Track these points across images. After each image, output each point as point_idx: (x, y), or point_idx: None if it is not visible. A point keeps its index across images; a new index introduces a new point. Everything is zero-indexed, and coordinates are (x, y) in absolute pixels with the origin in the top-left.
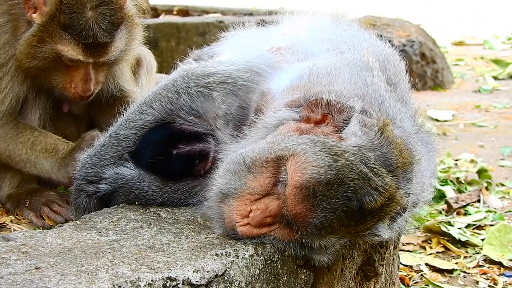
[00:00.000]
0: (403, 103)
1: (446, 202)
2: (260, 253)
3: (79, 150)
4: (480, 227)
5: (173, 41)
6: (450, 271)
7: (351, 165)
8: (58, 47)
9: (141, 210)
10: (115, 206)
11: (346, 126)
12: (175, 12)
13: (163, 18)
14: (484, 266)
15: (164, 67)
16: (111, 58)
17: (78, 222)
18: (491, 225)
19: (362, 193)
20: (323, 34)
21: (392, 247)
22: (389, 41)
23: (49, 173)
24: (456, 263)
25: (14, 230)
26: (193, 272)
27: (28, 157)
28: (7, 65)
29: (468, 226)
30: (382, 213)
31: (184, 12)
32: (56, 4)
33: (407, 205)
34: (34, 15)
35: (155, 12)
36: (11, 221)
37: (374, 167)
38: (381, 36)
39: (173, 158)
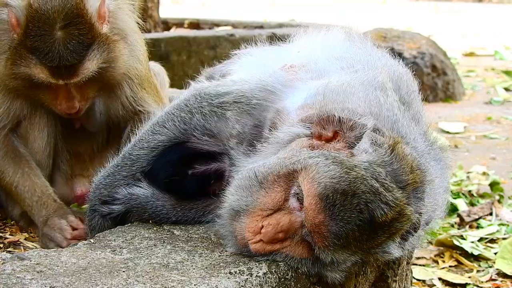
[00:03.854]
0: (416, 122)
1: (459, 216)
2: (274, 271)
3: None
4: (492, 241)
5: (184, 55)
6: (463, 285)
7: (362, 178)
8: (28, 70)
9: (154, 228)
10: (129, 224)
11: (358, 143)
12: (186, 26)
13: (174, 32)
14: (497, 280)
15: (176, 80)
16: (83, 79)
17: (92, 240)
18: (503, 239)
19: (373, 207)
20: (337, 52)
21: (405, 262)
22: (400, 55)
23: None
24: (469, 277)
25: (27, 248)
26: None
27: (17, 201)
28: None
29: (480, 239)
30: (393, 228)
31: (195, 25)
32: (24, 27)
33: (418, 223)
34: (14, 35)
35: (166, 25)
36: (25, 239)
37: (384, 182)
38: (392, 49)
39: (189, 178)
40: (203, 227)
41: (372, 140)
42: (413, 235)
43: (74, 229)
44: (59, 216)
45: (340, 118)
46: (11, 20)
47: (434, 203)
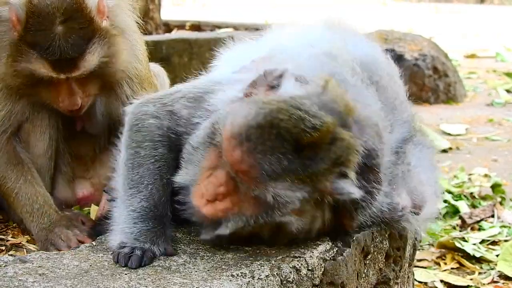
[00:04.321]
0: (391, 108)
1: (460, 218)
2: (275, 273)
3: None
4: (494, 243)
5: (185, 57)
6: None
7: (280, 109)
8: (29, 66)
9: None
10: None
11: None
12: (187, 28)
13: (176, 34)
14: (499, 282)
15: (177, 82)
16: (85, 73)
17: (94, 243)
18: (505, 241)
19: (296, 131)
20: (308, 41)
21: (407, 264)
22: (402, 57)
23: (34, 235)
24: (471, 279)
25: (30, 250)
26: None
27: (14, 207)
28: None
29: (482, 241)
30: (332, 154)
31: (196, 27)
32: (24, 22)
33: (374, 159)
34: (15, 34)
35: (167, 27)
36: (27, 241)
37: (309, 110)
38: (394, 51)
39: None
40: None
41: (298, 79)
42: (374, 177)
43: (80, 242)
44: (66, 226)
45: (266, 71)
46: (12, 18)
47: (421, 193)
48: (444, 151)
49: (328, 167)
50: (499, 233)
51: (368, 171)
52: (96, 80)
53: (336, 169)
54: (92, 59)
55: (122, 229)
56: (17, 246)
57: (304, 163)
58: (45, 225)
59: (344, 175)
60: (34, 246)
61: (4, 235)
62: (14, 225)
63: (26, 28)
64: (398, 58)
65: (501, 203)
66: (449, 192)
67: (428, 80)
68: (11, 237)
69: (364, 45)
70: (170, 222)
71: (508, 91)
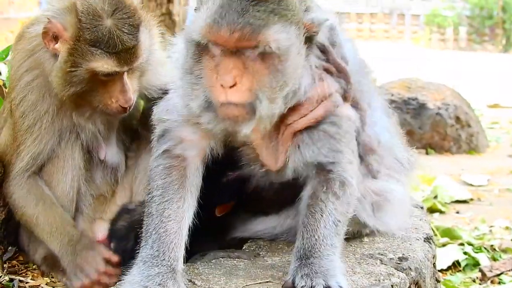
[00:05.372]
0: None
1: (480, 270)
2: None
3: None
4: None
5: None
6: None
7: None
8: (92, 64)
9: None
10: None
11: None
12: None
13: None
14: None
15: None
16: (142, 61)
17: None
18: None
19: None
20: None
21: None
22: (424, 106)
23: (59, 256)
24: None
25: None
26: None
27: (36, 232)
28: (39, 125)
29: None
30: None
31: None
32: (76, 24)
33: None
34: (57, 46)
35: None
36: (46, 284)
37: None
38: (417, 100)
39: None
40: (224, 277)
41: None
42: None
43: (107, 261)
44: (89, 246)
45: None
46: (57, 27)
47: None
48: (465, 202)
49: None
50: None
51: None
52: (138, 73)
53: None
54: (145, 46)
55: (134, 276)
56: None
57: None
58: (67, 244)
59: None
60: None
61: (24, 277)
62: (34, 267)
63: (81, 27)
64: (421, 107)
65: None
66: (470, 244)
67: (451, 130)
68: (31, 279)
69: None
70: (182, 266)
71: None
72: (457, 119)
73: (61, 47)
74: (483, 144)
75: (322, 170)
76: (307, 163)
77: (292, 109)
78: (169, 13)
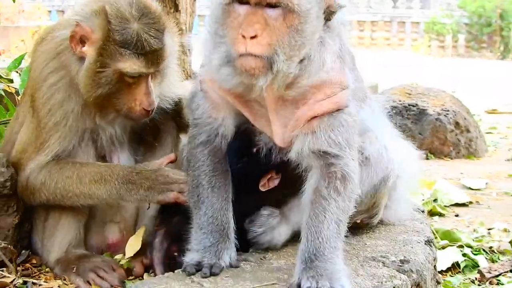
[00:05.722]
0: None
1: (479, 272)
2: None
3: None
4: None
5: None
6: None
7: None
8: (120, 65)
9: (185, 281)
10: (160, 276)
11: None
12: None
13: None
14: None
15: None
16: (167, 64)
17: None
18: None
19: None
20: None
21: None
22: (424, 112)
23: (107, 200)
24: None
25: None
26: None
27: (80, 191)
28: (64, 123)
29: None
30: None
31: None
32: (106, 26)
33: None
34: (84, 48)
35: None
36: (58, 286)
37: None
38: (417, 106)
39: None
40: (231, 279)
41: None
42: None
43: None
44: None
45: None
46: (85, 30)
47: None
48: (464, 205)
49: None
50: None
51: None
52: (160, 77)
53: None
54: (170, 49)
55: (194, 245)
56: None
57: None
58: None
59: None
60: None
61: (37, 279)
62: (46, 269)
63: (111, 29)
64: (421, 113)
65: None
66: (469, 246)
67: (450, 135)
68: (44, 281)
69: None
70: (234, 234)
71: None
72: (457, 124)
73: (89, 50)
74: (482, 149)
75: (326, 162)
76: (315, 150)
77: (316, 88)
78: (176, 22)
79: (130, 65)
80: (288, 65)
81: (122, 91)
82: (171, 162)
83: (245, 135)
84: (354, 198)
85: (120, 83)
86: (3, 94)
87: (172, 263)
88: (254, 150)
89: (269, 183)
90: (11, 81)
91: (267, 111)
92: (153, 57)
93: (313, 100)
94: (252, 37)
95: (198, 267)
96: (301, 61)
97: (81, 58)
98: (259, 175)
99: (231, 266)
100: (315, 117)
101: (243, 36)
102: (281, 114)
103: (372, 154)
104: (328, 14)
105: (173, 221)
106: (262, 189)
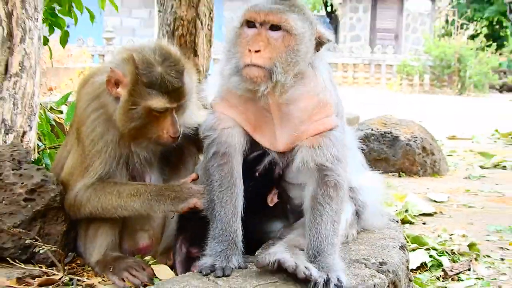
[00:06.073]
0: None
1: (443, 270)
2: None
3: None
4: None
5: None
6: None
7: None
8: (148, 102)
9: (202, 279)
10: (181, 276)
11: None
12: None
13: None
14: None
15: None
16: (187, 99)
17: (153, 287)
18: None
19: None
20: None
21: None
22: (397, 138)
23: (140, 211)
24: None
25: None
26: None
27: (118, 204)
28: (105, 150)
29: None
30: None
31: None
32: (134, 71)
33: None
34: (118, 90)
35: None
36: (98, 283)
37: None
38: (391, 133)
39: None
40: (241, 278)
41: None
42: None
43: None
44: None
45: None
46: (118, 74)
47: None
48: (430, 215)
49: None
50: (475, 284)
51: None
52: (183, 110)
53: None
54: (190, 87)
55: (208, 252)
56: (91, 287)
57: None
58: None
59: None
60: (104, 286)
61: (81, 276)
62: (89, 268)
63: (139, 73)
64: (394, 139)
65: (476, 259)
66: (434, 249)
67: (418, 157)
68: (86, 278)
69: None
70: (242, 241)
71: (482, 167)
72: (423, 148)
73: (122, 91)
74: (444, 168)
75: (322, 173)
76: (317, 163)
77: (318, 108)
78: (195, 65)
79: (157, 101)
80: (285, 77)
81: (152, 123)
82: (194, 180)
83: (248, 164)
84: (346, 199)
85: (149, 117)
86: (54, 123)
87: (193, 264)
88: (257, 174)
89: (273, 198)
90: (61, 112)
91: (273, 119)
92: (175, 94)
93: (317, 117)
94: (256, 51)
95: (212, 269)
96: (296, 75)
97: (117, 98)
98: (264, 193)
99: (240, 267)
100: (319, 133)
101: (249, 50)
102: (285, 124)
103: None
104: (318, 44)
105: (189, 227)
106: (270, 204)
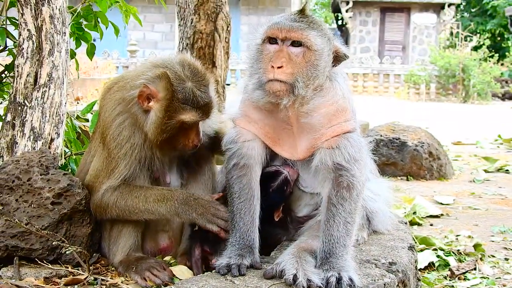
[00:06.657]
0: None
1: (450, 270)
2: None
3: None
4: None
5: None
6: None
7: None
8: (182, 116)
9: (220, 279)
10: (200, 275)
11: None
12: None
13: None
14: None
15: None
16: (213, 112)
17: (173, 287)
18: None
19: None
20: None
21: None
22: (405, 144)
23: (166, 216)
24: None
25: None
26: None
27: (145, 208)
28: (130, 153)
29: None
30: None
31: None
32: (169, 88)
33: None
34: (150, 104)
35: None
36: (122, 282)
37: None
38: (399, 139)
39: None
40: (257, 277)
41: None
42: None
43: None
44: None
45: None
46: (152, 90)
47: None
48: (437, 216)
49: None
50: (480, 283)
51: None
52: (204, 121)
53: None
54: (214, 101)
55: (225, 254)
56: (115, 286)
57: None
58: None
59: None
60: (127, 286)
61: (105, 276)
62: (112, 269)
63: (174, 90)
64: (402, 145)
65: (481, 259)
66: (441, 249)
67: (425, 162)
68: (110, 278)
69: None
70: (258, 247)
71: (486, 171)
72: (430, 153)
73: (155, 105)
74: (450, 172)
75: (337, 173)
76: (333, 162)
77: (336, 113)
78: (214, 76)
79: (190, 116)
80: (305, 91)
81: (180, 134)
82: (218, 198)
83: (263, 178)
84: (359, 200)
85: (179, 128)
86: (79, 131)
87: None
88: (271, 190)
89: (279, 214)
90: (87, 120)
91: (293, 130)
92: (205, 108)
93: (336, 122)
94: (279, 67)
95: (228, 268)
96: (316, 88)
97: (145, 111)
98: (272, 207)
99: (255, 268)
100: (337, 135)
101: (272, 67)
102: (305, 132)
103: None
104: (335, 59)
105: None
106: (276, 219)
